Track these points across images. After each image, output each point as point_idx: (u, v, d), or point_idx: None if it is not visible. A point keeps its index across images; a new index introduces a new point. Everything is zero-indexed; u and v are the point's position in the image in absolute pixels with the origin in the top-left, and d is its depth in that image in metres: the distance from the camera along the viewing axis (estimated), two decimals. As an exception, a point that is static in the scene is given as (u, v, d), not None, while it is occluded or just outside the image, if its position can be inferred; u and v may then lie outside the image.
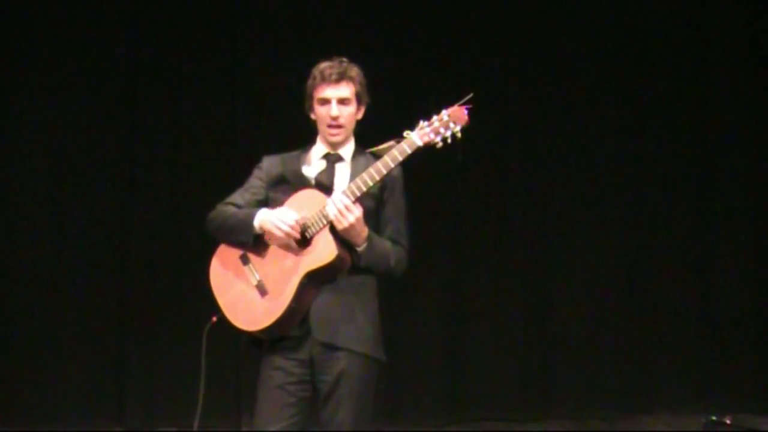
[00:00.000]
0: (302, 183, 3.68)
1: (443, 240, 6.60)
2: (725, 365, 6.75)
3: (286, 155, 3.78)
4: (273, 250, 3.63)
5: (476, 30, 6.65)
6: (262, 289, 3.61)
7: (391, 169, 3.54)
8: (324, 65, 3.70)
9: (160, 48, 6.46)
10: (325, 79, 3.66)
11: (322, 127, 3.72)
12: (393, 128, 3.59)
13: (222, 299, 3.67)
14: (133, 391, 6.39)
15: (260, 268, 3.63)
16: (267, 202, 3.71)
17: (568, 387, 6.67)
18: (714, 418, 5.40)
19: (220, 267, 3.70)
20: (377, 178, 3.54)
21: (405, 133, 3.55)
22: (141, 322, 6.41)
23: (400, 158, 3.53)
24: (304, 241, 3.59)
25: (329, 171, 3.70)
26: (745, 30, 6.84)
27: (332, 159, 3.72)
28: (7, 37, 6.35)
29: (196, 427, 3.74)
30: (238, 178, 3.85)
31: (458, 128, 3.53)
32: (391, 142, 3.58)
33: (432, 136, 3.53)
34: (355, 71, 3.70)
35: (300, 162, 3.73)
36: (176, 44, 6.46)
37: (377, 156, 3.61)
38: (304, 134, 3.79)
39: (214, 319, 3.68)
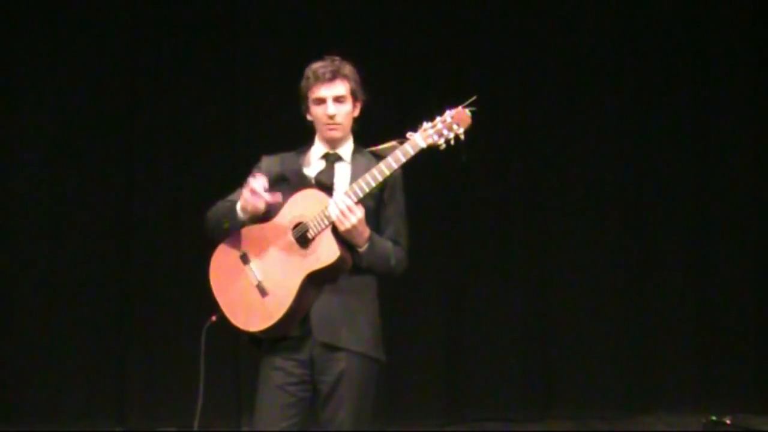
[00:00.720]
0: (303, 182, 3.67)
1: (444, 240, 6.60)
2: (725, 365, 6.74)
3: (285, 155, 3.76)
4: (274, 251, 3.62)
5: (479, 31, 6.64)
6: (262, 290, 3.60)
7: (394, 171, 3.53)
8: (317, 65, 3.68)
9: (160, 48, 6.47)
10: (319, 79, 3.64)
11: (319, 127, 3.70)
12: (396, 129, 3.59)
13: (222, 299, 3.65)
14: (133, 391, 6.39)
15: (260, 268, 3.62)
16: None
17: (568, 387, 6.67)
18: (714, 418, 5.42)
19: (219, 267, 3.68)
20: (380, 179, 3.53)
21: (408, 135, 3.54)
22: (141, 322, 6.42)
23: (403, 159, 3.52)
24: (305, 241, 3.59)
25: (329, 171, 3.69)
26: (745, 30, 6.83)
27: (332, 159, 3.71)
28: (8, 37, 6.35)
29: (195, 427, 3.74)
30: (238, 178, 3.83)
31: (461, 130, 3.52)
32: (393, 143, 3.57)
33: (435, 137, 3.52)
34: (348, 69, 3.68)
35: (299, 161, 3.72)
36: (176, 44, 6.46)
37: (378, 155, 3.60)
38: (305, 134, 3.78)
39: (214, 318, 3.67)
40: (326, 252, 3.55)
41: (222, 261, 3.68)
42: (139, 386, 6.39)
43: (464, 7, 6.64)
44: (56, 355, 6.33)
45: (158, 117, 6.46)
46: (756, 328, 6.81)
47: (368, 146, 3.69)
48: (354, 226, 3.53)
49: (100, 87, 6.40)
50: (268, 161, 3.77)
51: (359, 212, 3.53)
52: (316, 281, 3.58)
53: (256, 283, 3.61)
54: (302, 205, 3.60)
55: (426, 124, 3.54)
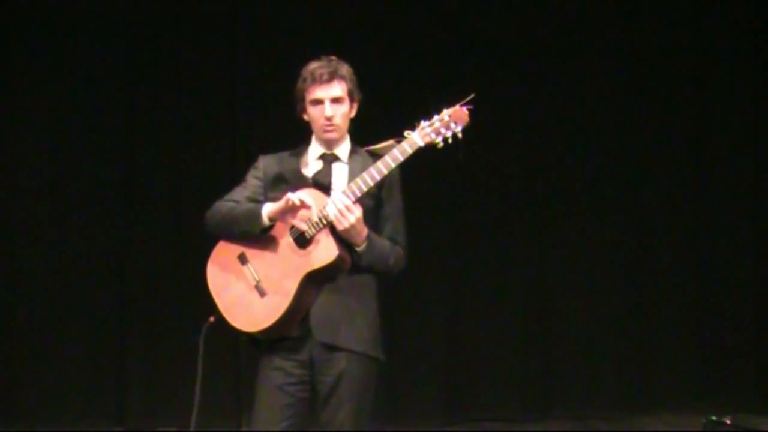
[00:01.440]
0: (301, 182, 3.65)
1: (443, 240, 6.60)
2: (725, 365, 6.75)
3: (283, 154, 3.75)
4: (272, 250, 3.61)
5: (477, 30, 6.64)
6: (261, 290, 3.59)
7: (392, 170, 3.53)
8: (313, 65, 3.66)
9: (160, 48, 6.46)
10: (317, 80, 3.62)
11: (316, 128, 3.69)
12: (393, 128, 3.58)
13: (220, 300, 3.64)
14: (133, 391, 6.39)
15: (259, 268, 3.61)
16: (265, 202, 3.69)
17: (569, 387, 6.67)
18: (714, 418, 5.40)
19: (217, 267, 3.67)
20: (378, 178, 3.53)
21: (406, 133, 3.53)
22: (141, 322, 6.42)
23: (401, 158, 3.52)
24: (303, 241, 3.58)
25: (326, 171, 3.68)
26: (745, 30, 6.83)
27: (329, 159, 3.70)
28: (8, 37, 6.35)
29: (193, 427, 3.73)
30: (238, 178, 3.84)
31: (459, 128, 3.51)
32: (391, 141, 3.57)
33: (433, 136, 3.52)
34: (345, 69, 3.67)
35: (297, 161, 3.71)
36: (176, 44, 6.45)
37: (375, 155, 3.60)
38: (304, 134, 3.78)
39: (212, 319, 3.66)
40: (325, 251, 3.54)
41: (219, 261, 3.67)
42: (139, 386, 6.39)
43: (463, 6, 6.64)
44: (56, 356, 6.32)
45: (158, 117, 6.46)
46: (756, 328, 6.81)
47: (365, 145, 3.69)
48: (352, 226, 3.52)
49: (100, 86, 6.39)
50: (266, 161, 3.76)
51: (357, 211, 3.53)
52: (314, 281, 3.57)
53: (255, 283, 3.61)
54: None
55: (424, 123, 3.53)
